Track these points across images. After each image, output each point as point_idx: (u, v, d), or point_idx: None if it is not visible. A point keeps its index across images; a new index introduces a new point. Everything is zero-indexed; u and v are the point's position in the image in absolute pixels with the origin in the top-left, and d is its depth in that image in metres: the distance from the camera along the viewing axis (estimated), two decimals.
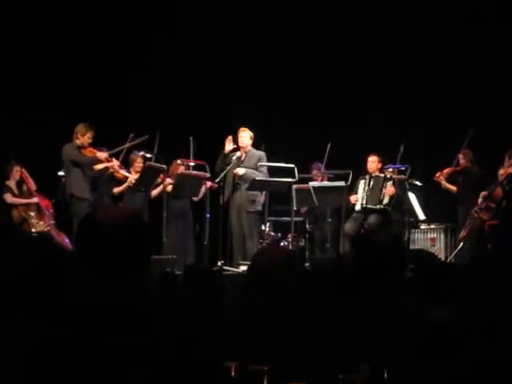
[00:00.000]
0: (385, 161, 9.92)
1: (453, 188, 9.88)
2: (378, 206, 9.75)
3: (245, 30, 11.33)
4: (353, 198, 9.82)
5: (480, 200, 9.44)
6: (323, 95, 11.11)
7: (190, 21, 11.47)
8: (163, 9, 11.45)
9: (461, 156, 9.79)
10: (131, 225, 2.17)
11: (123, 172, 9.45)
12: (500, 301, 2.96)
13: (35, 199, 9.54)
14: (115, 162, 9.30)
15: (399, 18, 11.02)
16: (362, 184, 9.91)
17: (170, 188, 9.55)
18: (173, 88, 11.32)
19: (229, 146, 9.38)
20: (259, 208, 9.39)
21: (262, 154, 9.47)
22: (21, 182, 9.63)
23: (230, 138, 9.40)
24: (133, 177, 9.46)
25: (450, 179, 9.91)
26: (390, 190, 9.74)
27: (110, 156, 9.28)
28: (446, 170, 9.85)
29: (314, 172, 10.10)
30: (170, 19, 11.44)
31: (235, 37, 11.33)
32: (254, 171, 9.27)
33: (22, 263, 2.20)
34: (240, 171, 9.25)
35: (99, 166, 9.23)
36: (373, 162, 9.93)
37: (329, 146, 9.50)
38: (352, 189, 9.80)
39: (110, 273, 2.12)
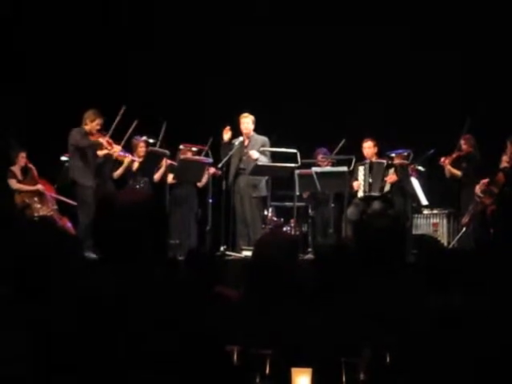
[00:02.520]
0: (382, 145, 9.86)
1: (457, 173, 9.89)
2: (379, 193, 9.70)
3: (244, 19, 11.31)
4: (355, 184, 9.78)
5: (480, 186, 9.47)
6: (326, 80, 11.10)
7: (190, 21, 11.47)
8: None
9: (463, 141, 9.80)
10: (149, 208, 2.17)
11: (122, 153, 9.45)
12: (501, 286, 2.96)
13: (39, 186, 9.57)
14: (116, 147, 9.27)
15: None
16: (361, 170, 9.79)
17: (170, 178, 9.54)
18: (176, 74, 11.32)
19: (227, 134, 9.35)
20: (263, 193, 9.38)
21: (265, 139, 9.46)
22: (26, 169, 9.66)
23: (228, 127, 9.37)
24: (132, 158, 9.47)
25: (452, 164, 9.92)
26: (391, 177, 9.65)
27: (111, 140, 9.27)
28: (444, 159, 9.85)
29: (320, 157, 10.08)
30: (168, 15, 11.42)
31: (235, 24, 11.31)
32: (263, 156, 9.27)
33: (26, 247, 2.21)
34: (254, 155, 9.22)
35: (101, 153, 9.24)
36: (369, 148, 9.79)
37: (342, 141, 9.64)
38: (352, 175, 9.75)
39: (124, 256, 2.12)
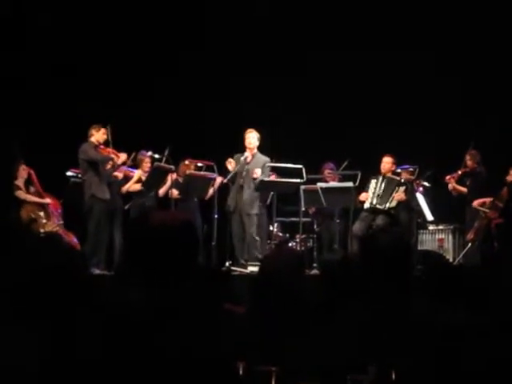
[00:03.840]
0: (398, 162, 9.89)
1: (463, 190, 9.89)
2: (384, 207, 9.69)
3: (249, 30, 11.34)
4: (363, 196, 9.77)
5: (479, 202, 9.52)
6: (335, 97, 11.11)
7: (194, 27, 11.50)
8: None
9: (468, 157, 9.80)
10: (184, 230, 2.18)
11: (129, 170, 9.51)
12: (507, 301, 2.96)
13: (48, 200, 9.54)
14: (122, 155, 9.27)
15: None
16: (373, 183, 9.83)
17: (175, 193, 9.57)
18: (180, 89, 11.35)
19: (230, 165, 9.33)
20: (256, 211, 9.31)
21: (267, 159, 9.41)
22: (28, 182, 9.62)
23: (230, 160, 9.35)
24: (141, 173, 9.51)
25: (458, 182, 9.93)
26: (399, 195, 9.65)
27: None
28: (449, 177, 9.86)
29: (327, 171, 10.08)
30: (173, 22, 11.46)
31: (241, 38, 11.34)
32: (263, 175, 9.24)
33: (33, 263, 2.21)
34: (258, 172, 9.20)
35: (107, 167, 9.28)
36: (387, 163, 9.83)
37: (346, 162, 9.73)
38: (363, 188, 9.75)
39: (150, 275, 2.13)
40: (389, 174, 9.85)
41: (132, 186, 9.59)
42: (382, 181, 9.81)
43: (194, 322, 2.13)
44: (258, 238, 9.26)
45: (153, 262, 2.14)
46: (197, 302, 2.19)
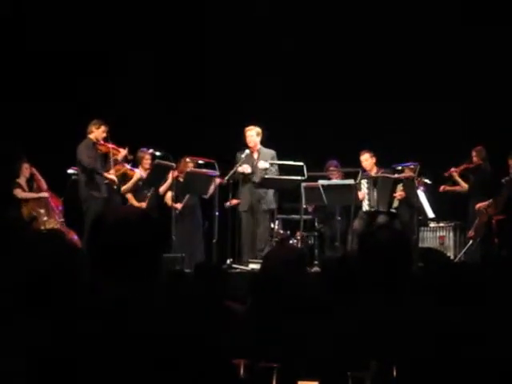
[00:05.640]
0: (381, 156, 9.80)
1: (464, 185, 9.89)
2: (386, 209, 9.54)
3: (251, 30, 11.34)
4: (360, 194, 9.62)
5: (481, 205, 9.54)
6: (334, 95, 11.12)
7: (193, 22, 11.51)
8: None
9: (474, 153, 9.82)
10: (140, 223, 2.18)
11: (131, 168, 9.50)
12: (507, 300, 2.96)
13: (46, 194, 9.52)
14: (122, 150, 9.24)
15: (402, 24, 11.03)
16: (364, 184, 9.65)
17: (169, 199, 9.56)
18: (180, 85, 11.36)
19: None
20: (272, 206, 9.34)
21: (273, 152, 9.41)
22: (30, 180, 9.63)
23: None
24: (141, 173, 9.48)
25: (461, 176, 9.94)
26: (400, 194, 9.50)
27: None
28: (454, 170, 9.86)
29: (331, 169, 10.04)
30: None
31: (247, 37, 11.34)
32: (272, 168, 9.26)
33: (36, 260, 2.21)
34: (261, 164, 9.20)
35: (113, 174, 9.23)
36: (366, 161, 9.70)
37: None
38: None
39: (121, 272, 2.12)
40: (375, 170, 9.70)
41: (130, 199, 9.56)
42: (375, 181, 9.61)
43: (189, 318, 2.13)
44: (267, 234, 9.28)
45: (116, 256, 2.13)
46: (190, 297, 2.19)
